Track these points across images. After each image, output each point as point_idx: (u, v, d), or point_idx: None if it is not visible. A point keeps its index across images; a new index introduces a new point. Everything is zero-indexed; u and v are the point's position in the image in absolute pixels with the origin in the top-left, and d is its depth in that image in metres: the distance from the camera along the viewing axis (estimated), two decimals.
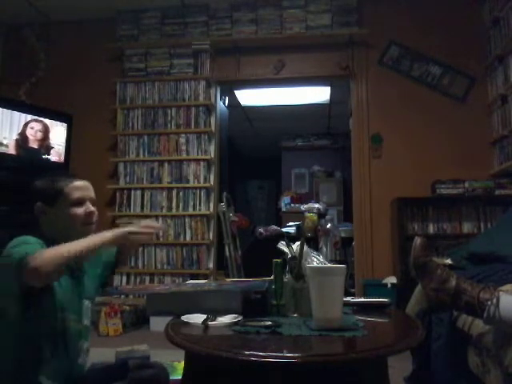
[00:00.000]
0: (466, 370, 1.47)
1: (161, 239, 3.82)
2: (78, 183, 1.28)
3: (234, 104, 5.46)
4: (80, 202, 1.26)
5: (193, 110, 4.00)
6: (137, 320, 3.56)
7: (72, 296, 1.24)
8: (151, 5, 4.04)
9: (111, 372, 1.34)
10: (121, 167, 4.03)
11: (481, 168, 3.59)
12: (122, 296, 3.73)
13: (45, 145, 3.65)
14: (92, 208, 1.28)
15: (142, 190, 3.97)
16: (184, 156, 3.95)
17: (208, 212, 3.87)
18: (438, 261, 1.51)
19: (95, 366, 1.40)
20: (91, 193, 1.31)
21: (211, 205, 3.92)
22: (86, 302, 1.31)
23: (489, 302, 1.24)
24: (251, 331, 1.06)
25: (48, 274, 1.05)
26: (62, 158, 3.79)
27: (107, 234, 1.18)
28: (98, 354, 1.46)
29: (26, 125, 3.55)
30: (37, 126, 3.60)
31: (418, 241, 1.44)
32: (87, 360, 1.31)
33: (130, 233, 1.22)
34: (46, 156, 3.66)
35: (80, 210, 1.25)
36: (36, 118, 3.60)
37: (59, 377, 1.17)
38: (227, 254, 3.71)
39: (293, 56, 3.96)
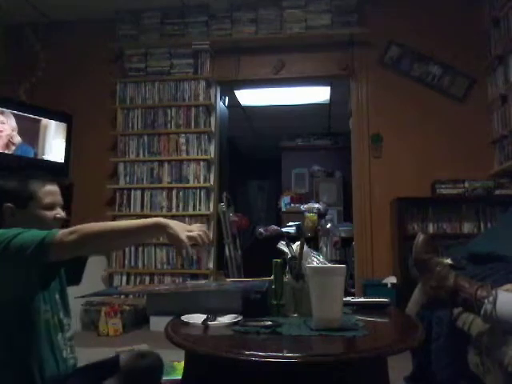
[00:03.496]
0: (466, 369, 1.47)
1: (161, 239, 3.82)
2: (50, 188, 1.31)
3: (234, 104, 5.45)
4: (51, 207, 1.29)
5: (193, 110, 4.00)
6: (137, 320, 3.56)
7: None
8: (151, 5, 4.04)
9: (102, 368, 1.33)
10: (121, 167, 4.02)
11: (481, 168, 3.59)
12: (122, 296, 3.73)
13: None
14: (62, 213, 1.32)
15: (142, 190, 3.97)
16: (184, 156, 3.95)
17: (208, 212, 3.87)
18: (438, 259, 1.51)
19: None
20: (60, 197, 1.34)
21: (211, 205, 3.92)
22: (57, 295, 1.30)
23: (486, 300, 1.24)
24: (251, 331, 1.05)
25: (84, 245, 1.10)
26: (62, 158, 3.79)
27: (146, 221, 1.17)
28: (98, 354, 1.46)
29: None
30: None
31: (420, 237, 1.44)
32: (75, 356, 1.31)
33: (169, 232, 1.15)
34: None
35: (50, 214, 1.28)
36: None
37: (44, 369, 1.16)
38: (227, 253, 3.70)
39: (293, 56, 3.95)
